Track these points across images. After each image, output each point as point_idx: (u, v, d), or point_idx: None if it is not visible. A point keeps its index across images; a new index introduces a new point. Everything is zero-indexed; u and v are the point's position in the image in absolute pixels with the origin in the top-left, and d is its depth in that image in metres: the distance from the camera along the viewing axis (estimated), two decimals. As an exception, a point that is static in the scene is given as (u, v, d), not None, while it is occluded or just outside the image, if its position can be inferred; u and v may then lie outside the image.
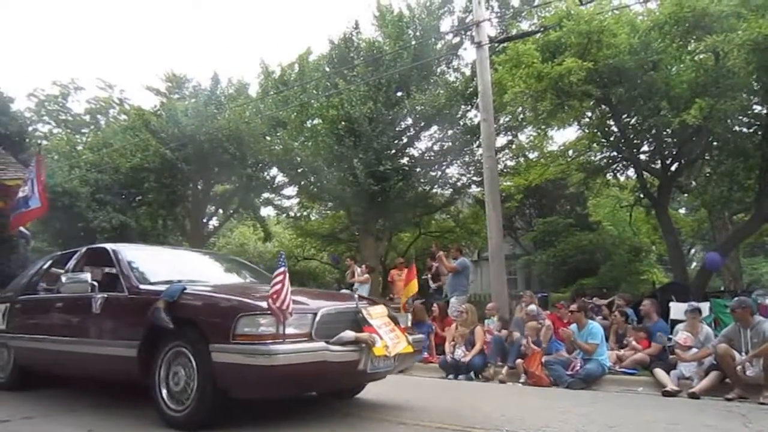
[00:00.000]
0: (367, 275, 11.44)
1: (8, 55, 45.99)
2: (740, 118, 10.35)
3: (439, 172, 16.92)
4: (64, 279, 4.85)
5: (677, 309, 8.00)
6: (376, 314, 4.29)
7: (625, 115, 11.70)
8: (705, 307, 7.97)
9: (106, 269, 5.09)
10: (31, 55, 48.28)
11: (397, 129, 15.24)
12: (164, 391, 4.05)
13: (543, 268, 18.57)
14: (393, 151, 15.21)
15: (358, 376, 4.26)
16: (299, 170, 16.93)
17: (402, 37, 14.40)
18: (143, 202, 19.85)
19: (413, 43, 14.25)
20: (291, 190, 20.19)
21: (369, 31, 15.72)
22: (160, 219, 20.20)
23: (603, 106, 11.89)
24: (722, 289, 16.02)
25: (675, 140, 11.55)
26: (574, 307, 7.60)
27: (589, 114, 12.73)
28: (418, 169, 16.00)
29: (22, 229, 8.43)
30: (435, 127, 15.97)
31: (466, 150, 15.90)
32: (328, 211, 20.39)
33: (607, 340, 7.37)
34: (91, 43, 52.35)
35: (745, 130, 10.70)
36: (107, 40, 53.59)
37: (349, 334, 3.89)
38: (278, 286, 3.63)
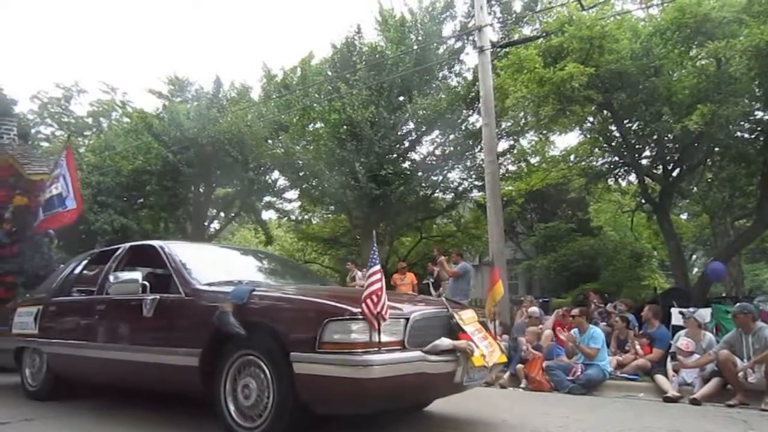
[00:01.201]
0: (368, 279, 11.42)
1: (12, 57, 46.19)
2: (742, 124, 10.36)
3: (441, 177, 16.95)
4: (111, 279, 4.38)
5: (679, 315, 7.99)
6: (468, 319, 3.86)
7: (627, 121, 11.71)
8: (707, 313, 7.95)
9: (153, 269, 4.76)
10: (35, 58, 48.49)
11: (398, 133, 15.28)
12: (231, 406, 3.61)
13: (544, 273, 18.59)
14: (395, 155, 15.24)
15: (453, 389, 3.82)
16: (301, 174, 16.97)
17: (404, 42, 14.45)
18: (145, 204, 19.89)
19: (415, 47, 14.29)
20: (292, 194, 20.25)
21: (371, 35, 15.81)
22: (161, 222, 20.22)
23: (605, 112, 11.90)
24: (724, 295, 16.01)
25: (677, 146, 11.56)
26: (575, 311, 7.59)
27: (591, 119, 12.74)
28: (419, 174, 16.03)
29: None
30: (436, 132, 16.03)
31: (468, 154, 15.94)
32: (330, 215, 20.42)
33: (608, 345, 7.36)
34: (94, 46, 52.56)
35: (746, 135, 10.70)
36: (110, 43, 53.80)
37: (445, 341, 3.47)
38: (375, 287, 3.18)
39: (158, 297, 4.17)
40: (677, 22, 9.41)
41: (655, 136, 11.36)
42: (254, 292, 3.68)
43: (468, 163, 16.30)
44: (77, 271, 5.72)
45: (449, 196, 17.91)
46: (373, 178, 13.99)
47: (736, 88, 9.09)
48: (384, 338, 3.23)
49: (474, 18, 10.82)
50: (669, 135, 10.63)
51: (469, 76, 15.25)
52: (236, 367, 3.64)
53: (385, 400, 3.40)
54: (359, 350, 3.15)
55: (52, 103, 25.33)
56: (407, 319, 3.41)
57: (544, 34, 11.18)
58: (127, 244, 5.32)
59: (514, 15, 14.90)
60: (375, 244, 3.61)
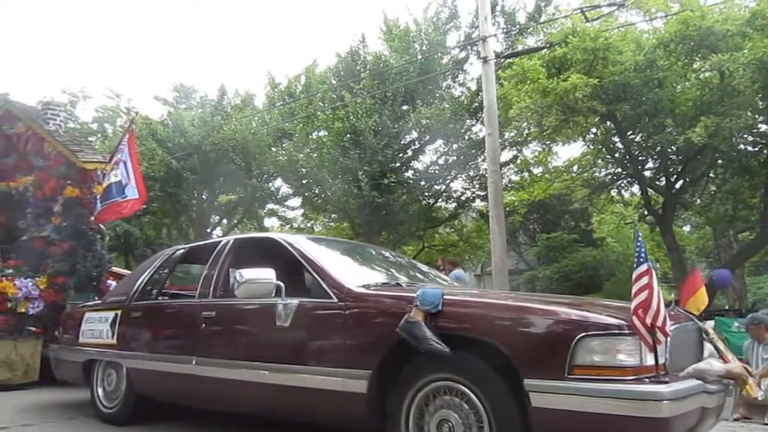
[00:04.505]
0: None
1: (19, 63, 46.49)
2: (745, 136, 10.38)
3: (444, 186, 16.97)
4: (238, 277, 3.39)
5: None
6: (714, 335, 3.05)
7: (630, 132, 11.74)
8: (710, 325, 7.92)
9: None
10: (42, 64, 48.78)
11: (402, 142, 15.30)
12: None
13: (546, 283, 18.54)
14: (398, 164, 15.27)
15: (708, 428, 2.88)
16: (304, 181, 17.01)
17: (408, 51, 14.51)
18: (148, 210, 19.92)
19: (419, 57, 14.34)
20: (295, 201, 20.29)
21: (376, 44, 15.87)
22: (164, 228, 20.27)
23: (608, 123, 11.93)
24: (726, 308, 15.95)
25: (680, 158, 11.58)
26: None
27: (594, 130, 12.78)
28: (422, 183, 16.05)
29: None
30: (440, 141, 16.04)
31: (471, 164, 15.95)
32: (332, 223, 20.44)
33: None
34: (101, 52, 52.86)
35: (750, 148, 10.73)
36: (117, 50, 54.10)
37: (716, 365, 2.65)
38: (645, 294, 2.42)
39: (297, 302, 3.33)
40: (681, 34, 9.45)
41: (658, 148, 11.38)
42: (447, 297, 2.83)
43: (471, 173, 16.31)
44: (165, 270, 4.86)
45: (452, 206, 17.91)
46: (376, 187, 14.01)
47: (739, 100, 9.12)
48: (650, 361, 2.41)
49: (478, 28, 10.85)
50: (672, 147, 10.65)
51: (473, 86, 15.29)
52: (424, 395, 2.82)
53: None
54: (629, 377, 2.34)
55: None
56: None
57: (548, 45, 11.24)
58: (231, 238, 4.41)
59: (518, 26, 14.95)
60: (640, 236, 2.70)
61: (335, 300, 3.18)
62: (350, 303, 3.12)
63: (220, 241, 4.36)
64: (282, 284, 3.38)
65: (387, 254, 4.89)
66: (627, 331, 2.39)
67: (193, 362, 3.79)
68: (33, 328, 6.50)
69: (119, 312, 4.55)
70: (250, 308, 3.62)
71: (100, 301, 5.31)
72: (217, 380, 3.66)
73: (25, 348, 6.36)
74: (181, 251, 4.92)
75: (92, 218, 7.12)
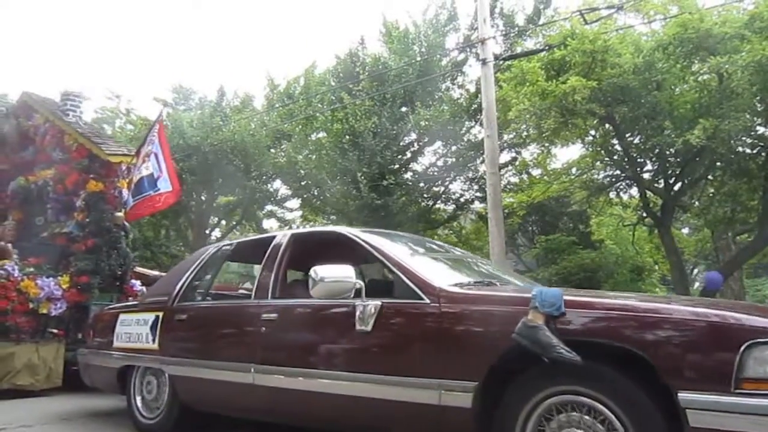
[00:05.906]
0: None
1: (18, 64, 46.50)
2: (744, 138, 10.39)
3: (442, 188, 16.99)
4: (314, 275, 2.99)
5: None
6: None
7: (629, 134, 11.75)
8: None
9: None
10: (41, 64, 48.79)
11: (401, 144, 15.33)
12: None
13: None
14: (397, 165, 15.28)
15: None
16: (303, 183, 17.03)
17: (407, 53, 14.53)
18: (146, 211, 19.90)
19: (418, 59, 14.37)
20: (294, 203, 20.32)
21: (375, 46, 15.90)
22: (162, 229, 20.26)
23: (607, 125, 11.95)
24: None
25: (678, 160, 11.59)
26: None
27: (593, 132, 12.79)
28: (421, 184, 16.07)
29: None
30: (438, 143, 16.07)
31: (470, 166, 15.97)
32: (331, 224, 20.47)
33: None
34: (100, 53, 52.89)
35: (748, 150, 10.74)
36: (117, 50, 54.11)
37: None
38: None
39: (380, 303, 2.95)
40: (679, 37, 9.47)
41: (656, 150, 11.38)
42: (565, 297, 2.51)
43: (470, 175, 16.33)
44: (211, 268, 4.47)
45: (451, 207, 17.93)
46: (375, 188, 14.03)
47: (737, 103, 9.13)
48: None
49: (477, 30, 10.87)
50: (671, 149, 10.66)
51: (472, 88, 15.33)
52: (543, 410, 2.45)
53: None
54: None
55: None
56: None
57: (546, 48, 11.26)
58: (287, 232, 3.99)
59: (517, 28, 14.98)
60: None
61: (426, 301, 2.82)
62: (445, 305, 2.76)
63: (274, 237, 3.98)
64: (362, 283, 3.04)
65: (454, 249, 4.36)
66: None
67: (252, 370, 3.42)
68: (55, 330, 6.19)
69: (161, 314, 4.17)
70: (321, 310, 3.25)
71: (136, 302, 4.99)
72: (281, 390, 3.29)
73: (47, 351, 6.03)
74: (228, 248, 4.50)
75: (119, 214, 6.80)
